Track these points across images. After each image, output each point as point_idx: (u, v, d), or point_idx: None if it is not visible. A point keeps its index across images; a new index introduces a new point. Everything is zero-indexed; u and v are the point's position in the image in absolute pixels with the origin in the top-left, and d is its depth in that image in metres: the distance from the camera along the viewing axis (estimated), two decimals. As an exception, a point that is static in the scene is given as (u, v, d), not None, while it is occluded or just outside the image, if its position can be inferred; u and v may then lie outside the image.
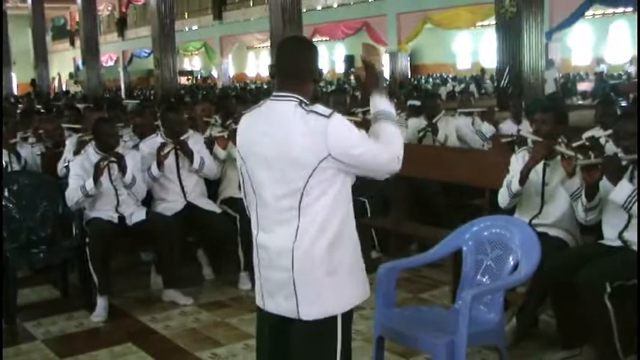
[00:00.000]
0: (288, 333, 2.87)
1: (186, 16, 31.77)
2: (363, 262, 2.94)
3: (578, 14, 15.48)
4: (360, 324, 4.68)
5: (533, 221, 4.47)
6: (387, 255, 6.00)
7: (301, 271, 2.74)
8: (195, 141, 5.86)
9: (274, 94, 2.80)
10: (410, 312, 3.95)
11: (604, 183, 4.03)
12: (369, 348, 3.81)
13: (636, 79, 18.71)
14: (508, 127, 7.33)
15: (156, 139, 5.84)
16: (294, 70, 2.78)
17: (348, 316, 2.87)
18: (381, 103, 2.90)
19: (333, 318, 2.81)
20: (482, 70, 24.36)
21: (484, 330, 3.60)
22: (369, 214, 6.13)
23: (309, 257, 2.73)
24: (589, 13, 18.06)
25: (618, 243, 4.09)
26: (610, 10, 21.72)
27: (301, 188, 2.70)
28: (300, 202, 2.71)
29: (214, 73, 33.35)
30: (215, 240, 5.88)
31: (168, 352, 4.58)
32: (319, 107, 2.70)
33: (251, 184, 2.85)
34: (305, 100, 2.73)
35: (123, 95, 25.90)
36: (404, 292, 5.35)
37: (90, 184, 5.21)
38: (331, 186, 2.73)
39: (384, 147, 2.78)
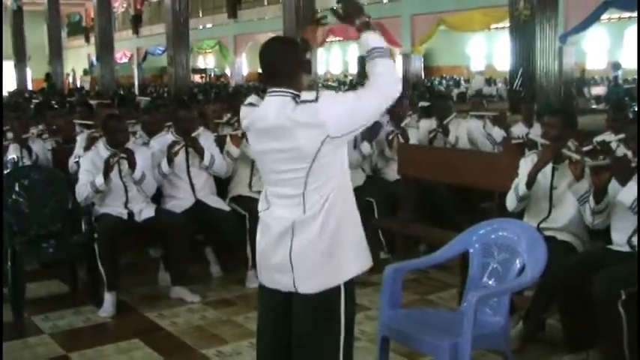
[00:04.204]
0: (290, 309, 2.91)
1: (201, 14, 31.76)
2: (363, 232, 3.00)
3: (593, 18, 15.36)
4: (365, 324, 4.70)
5: (542, 225, 4.45)
6: (394, 256, 6.00)
7: (299, 247, 2.83)
8: (205, 138, 5.88)
9: (269, 90, 2.87)
10: (415, 313, 3.94)
11: (612, 187, 4.02)
12: (374, 349, 3.80)
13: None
14: (519, 130, 7.30)
15: (166, 137, 5.87)
16: (282, 68, 2.85)
17: (350, 287, 2.92)
18: (368, 39, 2.93)
19: (336, 289, 2.86)
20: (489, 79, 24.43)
21: (489, 333, 3.60)
22: (376, 215, 6.13)
23: (307, 234, 2.82)
24: (604, 17, 17.95)
25: (627, 248, 4.07)
26: (626, 15, 21.58)
27: (304, 176, 2.79)
28: (304, 189, 2.80)
29: (228, 72, 33.38)
30: (223, 238, 5.89)
31: (174, 348, 4.60)
32: (306, 94, 2.78)
33: (262, 171, 3.01)
34: (298, 94, 2.80)
35: (136, 92, 25.91)
36: (411, 293, 5.35)
37: (100, 179, 5.24)
38: (332, 169, 2.82)
39: (377, 88, 2.82)
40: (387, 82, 2.83)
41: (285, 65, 2.85)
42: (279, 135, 2.78)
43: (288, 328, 2.93)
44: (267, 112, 2.83)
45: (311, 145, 2.74)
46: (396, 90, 2.83)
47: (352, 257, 2.92)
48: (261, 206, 3.00)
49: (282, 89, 2.82)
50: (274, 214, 2.91)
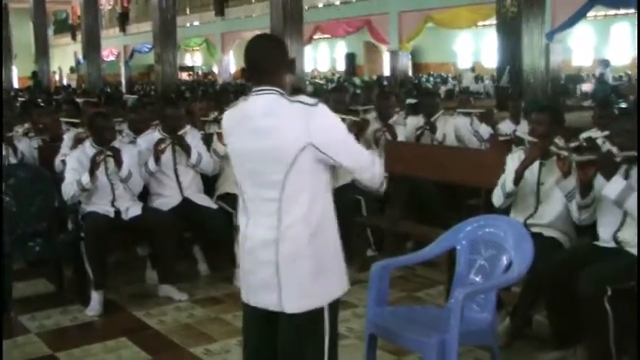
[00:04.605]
0: (275, 328, 2.89)
1: (188, 12, 31.70)
2: (342, 254, 2.96)
3: (579, 15, 15.42)
4: (353, 322, 4.70)
5: (528, 221, 4.47)
6: (382, 254, 6.00)
7: (285, 265, 2.78)
8: (192, 136, 5.87)
9: (254, 89, 2.84)
10: (402, 310, 3.94)
11: (599, 182, 4.04)
12: (362, 346, 3.80)
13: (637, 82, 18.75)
14: (506, 127, 7.34)
15: (153, 134, 5.86)
16: (267, 65, 2.83)
17: (334, 307, 2.90)
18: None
19: (320, 310, 2.84)
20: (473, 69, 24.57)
21: (476, 329, 3.61)
22: (364, 213, 6.13)
23: (292, 250, 2.77)
24: (590, 14, 18.02)
25: (613, 244, 4.09)
26: (612, 12, 21.69)
27: (282, 181, 2.74)
28: (281, 195, 2.75)
29: (215, 70, 33.32)
30: (211, 236, 5.88)
31: (162, 347, 4.59)
32: (305, 98, 2.77)
33: (239, 176, 2.92)
34: (284, 92, 2.79)
35: (123, 90, 25.82)
36: (399, 290, 5.37)
37: (86, 178, 5.22)
38: (311, 178, 2.78)
39: (369, 155, 2.91)
40: (375, 172, 2.92)
41: (270, 62, 2.83)
42: (263, 133, 2.75)
43: (273, 343, 2.91)
44: (252, 111, 2.80)
45: (293, 144, 2.71)
46: (376, 182, 2.95)
47: (337, 277, 2.91)
48: (240, 220, 2.95)
49: (268, 87, 2.80)
50: (254, 228, 2.85)
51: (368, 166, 2.90)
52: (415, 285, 5.56)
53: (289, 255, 2.78)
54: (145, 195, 5.78)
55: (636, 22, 10.68)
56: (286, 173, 2.74)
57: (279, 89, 2.80)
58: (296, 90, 2.87)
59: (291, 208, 2.76)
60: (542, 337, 4.37)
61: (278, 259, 2.78)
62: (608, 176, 3.95)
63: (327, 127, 2.75)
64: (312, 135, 2.70)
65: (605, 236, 4.15)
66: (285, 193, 2.75)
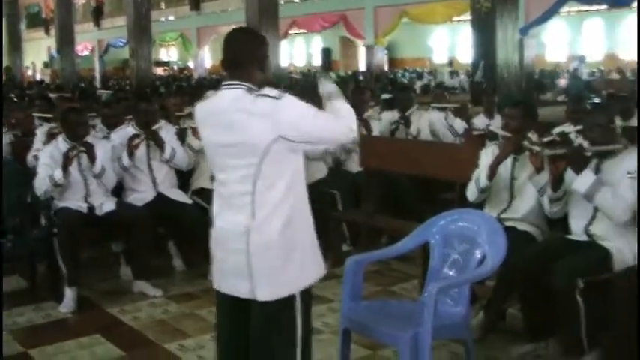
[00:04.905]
0: (247, 316, 2.91)
1: (163, 7, 31.55)
2: (316, 240, 3.00)
3: (552, 11, 15.57)
4: (328, 316, 4.71)
5: (502, 215, 4.49)
6: (357, 248, 6.01)
7: (257, 254, 2.81)
8: (167, 131, 5.85)
9: (224, 82, 2.89)
10: (376, 305, 3.94)
11: (570, 176, 4.07)
12: (337, 340, 3.80)
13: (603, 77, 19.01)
14: (481, 121, 7.39)
15: (127, 130, 5.82)
16: (240, 59, 2.87)
17: (306, 296, 2.92)
18: (327, 85, 3.02)
19: (291, 298, 2.86)
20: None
21: (450, 323, 3.62)
22: (340, 208, 6.13)
23: (264, 240, 2.81)
24: (564, 10, 18.18)
25: (584, 237, 4.13)
26: (584, 8, 21.89)
27: (253, 174, 2.78)
28: (253, 187, 2.78)
29: (191, 64, 33.20)
30: (186, 231, 5.86)
31: (136, 343, 4.56)
32: (269, 90, 2.79)
33: (213, 168, 2.97)
34: (253, 87, 2.81)
35: (98, 85, 25.64)
36: (374, 285, 5.38)
37: (59, 173, 5.18)
38: (283, 169, 2.81)
39: (335, 118, 2.88)
40: (345, 119, 2.90)
41: (241, 56, 2.87)
42: (232, 128, 2.78)
43: (246, 330, 2.94)
44: (220, 105, 2.84)
45: (261, 138, 2.74)
46: (350, 131, 2.89)
47: (308, 264, 2.94)
48: (214, 211, 2.98)
49: (236, 82, 2.84)
50: (227, 219, 2.90)
51: (340, 129, 2.88)
52: (390, 279, 5.57)
53: (261, 245, 2.81)
54: (119, 190, 5.74)
55: (636, 20, 10.71)
56: (257, 166, 2.77)
57: (247, 84, 2.82)
58: (270, 85, 2.88)
59: (264, 201, 2.80)
60: (516, 330, 4.39)
61: (249, 248, 2.82)
62: (578, 170, 4.00)
63: (295, 117, 2.77)
64: (281, 128, 2.73)
65: (576, 229, 4.20)
66: (257, 185, 2.78)
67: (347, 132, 2.88)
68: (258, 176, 2.78)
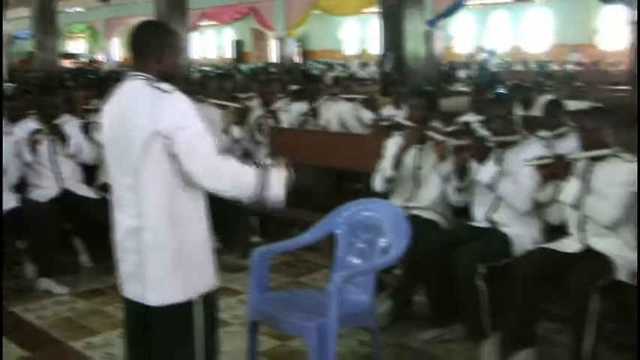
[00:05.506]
0: (151, 317, 2.87)
1: (71, -3, 30.76)
2: (210, 248, 2.96)
3: (459, 3, 15.88)
4: (238, 309, 4.71)
5: (407, 204, 4.57)
6: (267, 240, 6.01)
7: (147, 255, 2.78)
8: (71, 125, 5.71)
9: (128, 73, 2.87)
10: (284, 296, 3.96)
11: (475, 166, 4.18)
12: (246, 332, 3.81)
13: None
14: (389, 112, 7.46)
15: (29, 124, 5.65)
16: (139, 49, 2.86)
17: (206, 301, 2.88)
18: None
19: (187, 304, 2.82)
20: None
21: (357, 312, 3.66)
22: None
23: (153, 240, 2.77)
24: (470, 2, 18.58)
25: (486, 224, 4.25)
26: (489, 1, 22.45)
27: (137, 168, 2.73)
28: (137, 183, 2.75)
29: (101, 57, 32.51)
30: (92, 226, 5.74)
31: (41, 343, 4.46)
32: (164, 84, 2.75)
33: (108, 163, 2.93)
34: (152, 78, 2.77)
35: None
36: (284, 276, 5.40)
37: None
38: (165, 167, 2.74)
39: (220, 157, 2.80)
40: (247, 182, 2.85)
41: (142, 46, 2.85)
42: (122, 121, 2.76)
43: (152, 332, 2.90)
44: (121, 98, 2.83)
45: (141, 132, 2.69)
46: (239, 188, 2.83)
47: (203, 271, 2.91)
48: (113, 208, 2.95)
49: (136, 72, 2.82)
50: (120, 216, 2.87)
51: (219, 175, 2.78)
52: (300, 270, 5.61)
53: (151, 244, 2.78)
54: (22, 186, 5.58)
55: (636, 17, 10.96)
56: (138, 161, 2.72)
57: (147, 75, 2.79)
58: (174, 78, 2.85)
59: (148, 197, 2.76)
60: (423, 317, 4.48)
61: (141, 248, 2.79)
62: (481, 160, 4.11)
63: (176, 114, 2.72)
64: (161, 122, 2.68)
65: (479, 217, 4.32)
66: (141, 181, 2.74)
67: (228, 185, 2.80)
68: (140, 171, 2.73)
